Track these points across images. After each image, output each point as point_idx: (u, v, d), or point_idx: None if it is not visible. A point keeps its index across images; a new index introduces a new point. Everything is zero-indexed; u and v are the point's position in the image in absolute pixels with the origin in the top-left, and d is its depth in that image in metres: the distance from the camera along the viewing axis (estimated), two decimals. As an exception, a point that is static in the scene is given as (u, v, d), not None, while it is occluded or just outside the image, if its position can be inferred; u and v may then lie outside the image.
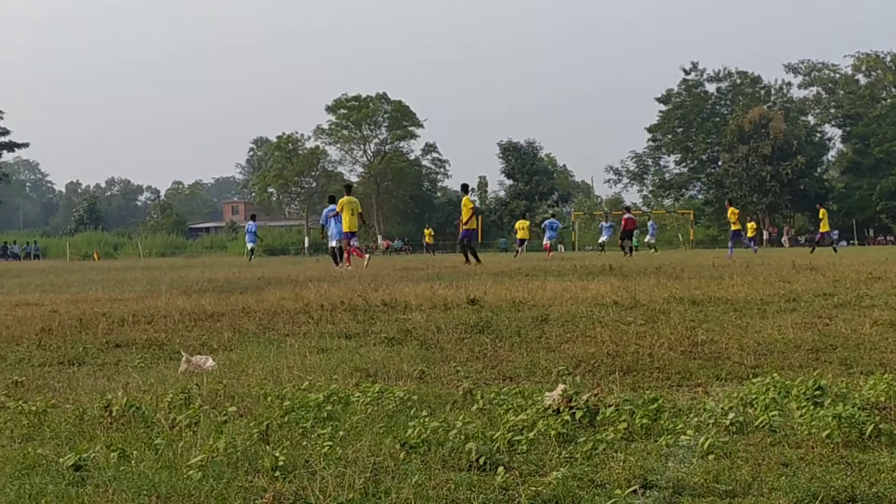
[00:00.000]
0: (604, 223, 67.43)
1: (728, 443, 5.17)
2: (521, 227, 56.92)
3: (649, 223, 65.88)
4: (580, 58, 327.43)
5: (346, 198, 33.57)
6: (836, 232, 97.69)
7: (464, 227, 35.22)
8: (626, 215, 54.73)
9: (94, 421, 5.96)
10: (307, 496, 4.25)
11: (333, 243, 35.23)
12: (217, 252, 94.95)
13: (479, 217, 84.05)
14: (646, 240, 64.85)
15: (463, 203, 35.99)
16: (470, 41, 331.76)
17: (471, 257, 33.36)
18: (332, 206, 35.52)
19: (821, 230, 50.38)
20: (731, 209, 50.53)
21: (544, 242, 56.57)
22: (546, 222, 58.93)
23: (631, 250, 49.36)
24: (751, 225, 59.52)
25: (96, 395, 6.69)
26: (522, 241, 56.78)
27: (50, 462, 4.87)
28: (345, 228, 32.72)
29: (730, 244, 48.30)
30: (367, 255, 33.04)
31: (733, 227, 49.15)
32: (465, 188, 38.88)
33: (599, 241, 66.21)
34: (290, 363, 8.40)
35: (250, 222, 56.23)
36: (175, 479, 4.48)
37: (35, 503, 3.97)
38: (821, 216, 50.46)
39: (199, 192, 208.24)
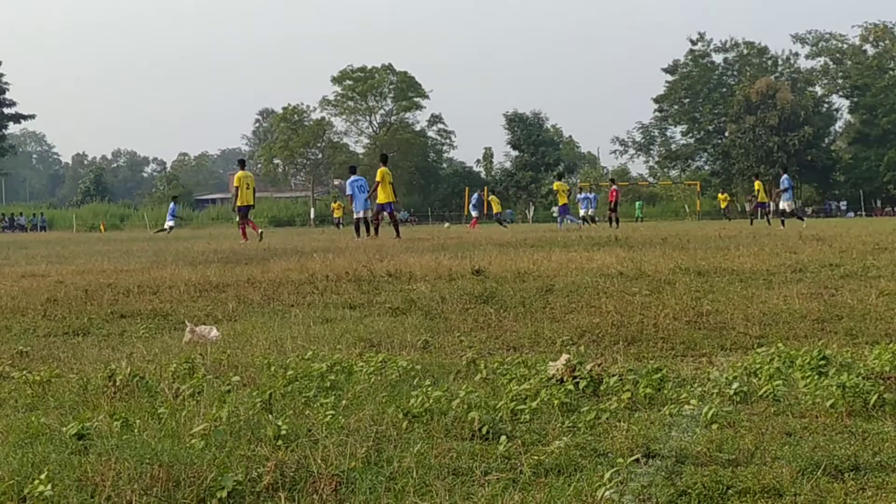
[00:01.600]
0: (585, 194, 63.03)
1: (732, 412, 5.17)
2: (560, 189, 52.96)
3: (591, 195, 62.43)
4: (586, 28, 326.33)
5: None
6: (844, 202, 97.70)
7: (384, 201, 33.18)
8: (613, 187, 53.80)
9: (97, 390, 5.97)
10: (309, 465, 4.25)
11: (360, 214, 34.40)
12: (223, 223, 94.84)
13: (487, 188, 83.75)
14: (582, 213, 61.93)
15: (380, 174, 33.31)
16: (475, 11, 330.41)
17: (372, 231, 32.59)
18: (355, 177, 34.76)
19: (758, 200, 49.78)
20: (756, 182, 50.16)
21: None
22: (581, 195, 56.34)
23: (617, 221, 48.56)
24: (722, 196, 58.70)
25: (100, 365, 6.69)
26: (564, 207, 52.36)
27: (53, 431, 4.88)
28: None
29: (766, 215, 48.01)
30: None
31: (760, 199, 48.66)
32: (383, 158, 36.11)
33: (581, 214, 60.31)
34: (294, 333, 8.40)
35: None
36: (178, 447, 4.49)
37: (38, 472, 3.97)
38: (756, 188, 49.81)
39: (205, 163, 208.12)
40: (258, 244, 28.68)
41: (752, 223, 47.42)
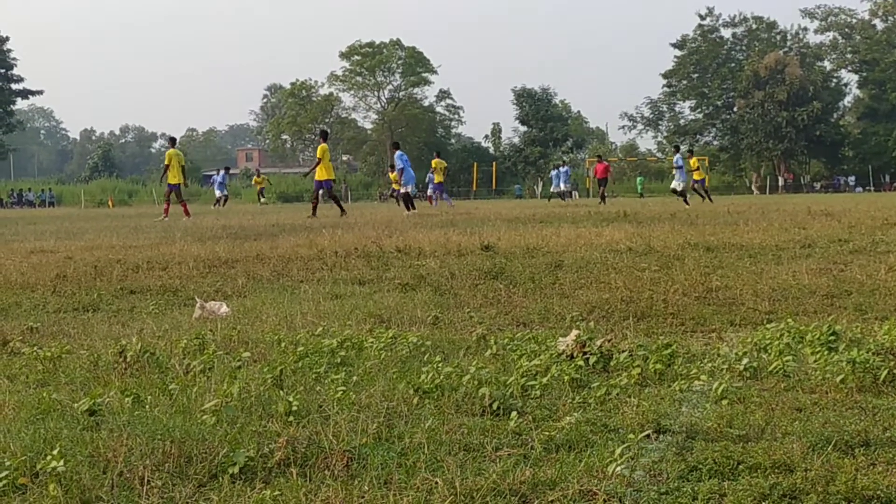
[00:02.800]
0: (560, 169, 60.07)
1: (742, 388, 5.17)
2: (437, 167, 50.49)
3: (563, 169, 60.79)
4: (594, 2, 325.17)
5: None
6: (853, 178, 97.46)
7: (322, 178, 32.01)
8: (599, 164, 52.78)
9: (108, 366, 5.99)
10: (320, 441, 4.26)
11: (409, 188, 34.63)
12: (231, 199, 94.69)
13: (495, 164, 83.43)
14: (552, 189, 59.66)
15: (320, 151, 32.06)
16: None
17: (326, 207, 32.25)
18: (401, 153, 35.18)
19: (695, 178, 48.86)
20: (693, 159, 49.21)
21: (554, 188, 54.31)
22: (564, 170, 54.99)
23: (603, 198, 47.73)
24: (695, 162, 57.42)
25: (111, 341, 6.70)
26: (439, 185, 50.43)
27: (65, 407, 4.89)
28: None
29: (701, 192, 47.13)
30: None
31: (696, 177, 47.64)
32: (324, 135, 34.85)
33: (552, 189, 58.88)
34: (303, 309, 8.41)
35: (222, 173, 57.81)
36: (189, 423, 4.50)
37: (50, 447, 3.98)
38: (693, 165, 48.86)
39: (213, 139, 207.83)
40: (161, 222, 28.73)
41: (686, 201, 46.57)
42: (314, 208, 31.58)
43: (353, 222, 24.96)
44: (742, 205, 35.64)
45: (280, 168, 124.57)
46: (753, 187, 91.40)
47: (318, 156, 32.06)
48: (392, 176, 47.51)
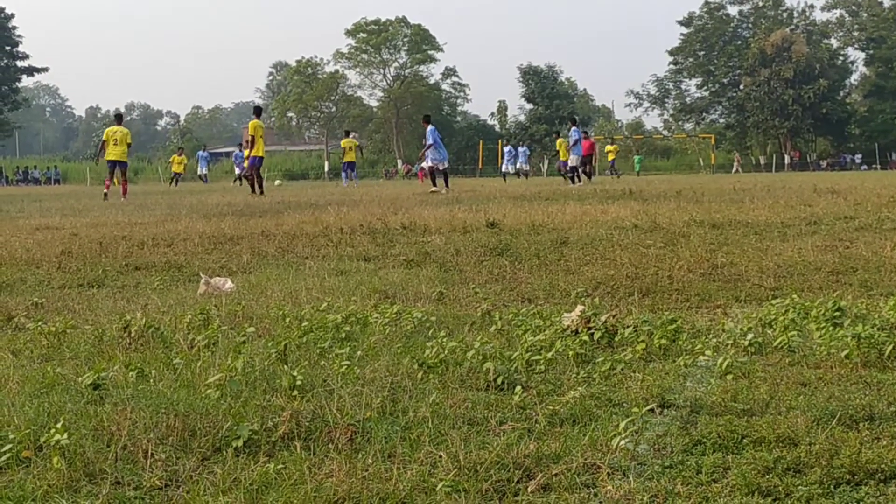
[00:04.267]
0: (519, 149, 60.04)
1: (746, 363, 5.16)
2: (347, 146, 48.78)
3: (520, 149, 59.76)
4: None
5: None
6: (859, 156, 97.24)
7: (253, 154, 31.48)
8: (585, 140, 51.26)
9: (113, 341, 5.99)
10: (324, 415, 4.26)
11: (439, 165, 33.55)
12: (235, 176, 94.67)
13: (500, 141, 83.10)
14: (518, 166, 58.56)
15: (253, 127, 31.44)
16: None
17: (257, 188, 31.15)
18: (433, 128, 33.69)
19: (560, 159, 48.06)
20: (558, 140, 48.46)
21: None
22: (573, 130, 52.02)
23: (589, 176, 46.68)
24: (613, 147, 56.49)
25: (115, 317, 6.71)
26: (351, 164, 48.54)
27: (69, 381, 4.90)
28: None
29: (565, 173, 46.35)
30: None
31: (562, 158, 46.76)
32: (257, 111, 33.67)
33: (503, 169, 57.89)
34: (308, 285, 8.41)
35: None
36: (193, 397, 4.50)
37: (54, 421, 3.98)
38: (557, 146, 48.12)
39: (219, 116, 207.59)
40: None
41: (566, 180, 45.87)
42: (256, 185, 31.19)
43: (359, 199, 24.97)
44: (748, 181, 35.61)
45: (286, 146, 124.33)
46: (737, 165, 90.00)
47: (250, 133, 31.48)
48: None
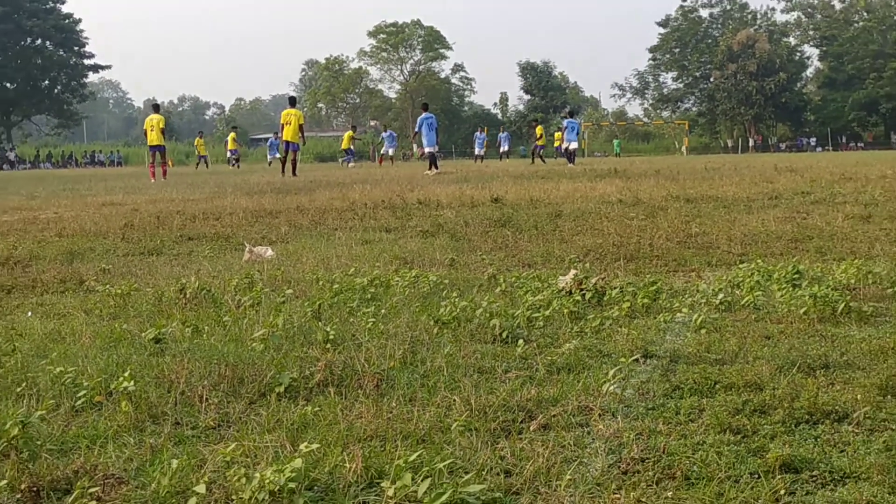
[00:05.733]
0: (477, 134, 57.74)
1: (718, 319, 5.16)
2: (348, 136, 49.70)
3: (480, 135, 57.13)
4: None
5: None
6: (814, 139, 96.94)
7: (285, 139, 30.16)
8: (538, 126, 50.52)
9: (170, 302, 6.00)
10: (354, 365, 4.27)
11: (430, 149, 32.01)
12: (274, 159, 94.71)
13: (502, 128, 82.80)
14: (478, 152, 55.82)
15: (285, 115, 29.73)
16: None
17: (288, 169, 30.10)
18: (427, 114, 32.20)
19: (536, 143, 47.91)
20: (538, 128, 48.25)
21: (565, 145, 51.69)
22: (566, 122, 46.60)
23: (543, 158, 46.54)
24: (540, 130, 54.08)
25: (172, 280, 6.72)
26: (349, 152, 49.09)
27: (134, 336, 4.91)
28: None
29: (536, 155, 46.47)
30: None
31: (538, 143, 46.89)
32: (291, 101, 31.72)
33: (476, 152, 55.05)
34: (338, 253, 8.41)
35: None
36: (241, 350, 4.51)
37: (122, 370, 4.00)
38: (537, 133, 47.75)
39: (259, 107, 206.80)
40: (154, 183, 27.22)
41: (532, 162, 45.49)
42: (292, 168, 30.22)
43: (380, 178, 24.93)
44: (717, 162, 35.46)
45: (316, 133, 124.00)
46: (683, 149, 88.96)
47: (282, 121, 30.10)
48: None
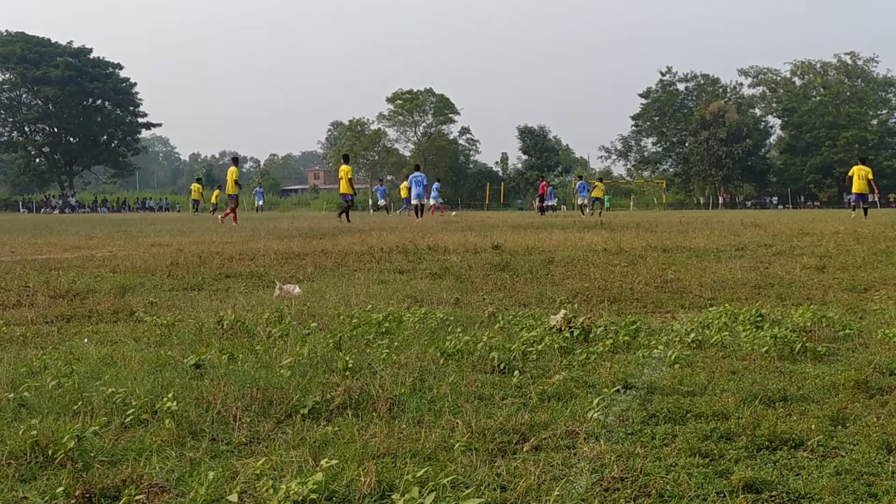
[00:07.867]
0: (434, 184, 50.37)
1: (690, 355, 5.15)
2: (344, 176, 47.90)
3: (436, 185, 50.59)
4: (583, 63, 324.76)
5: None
6: (776, 198, 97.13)
7: (344, 192, 31.36)
8: (541, 182, 51.30)
9: (209, 332, 6.01)
10: (369, 390, 4.27)
11: (415, 201, 36.29)
12: (302, 208, 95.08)
13: (503, 184, 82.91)
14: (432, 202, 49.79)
15: (343, 171, 31.19)
16: (500, 50, 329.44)
17: (344, 217, 30.79)
18: (417, 174, 36.60)
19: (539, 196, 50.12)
20: (598, 184, 49.54)
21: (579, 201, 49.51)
22: (579, 184, 49.79)
23: (553, 209, 49.12)
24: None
25: (212, 313, 6.74)
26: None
27: (177, 362, 4.92)
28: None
29: (596, 207, 48.83)
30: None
31: (597, 195, 48.84)
32: (345, 158, 33.13)
33: (431, 203, 47.82)
34: (357, 291, 8.42)
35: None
36: (270, 375, 4.52)
37: (166, 392, 4.01)
38: (541, 189, 49.89)
39: (290, 161, 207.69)
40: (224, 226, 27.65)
41: (542, 214, 46.82)
42: (344, 215, 31.33)
43: (395, 226, 24.96)
44: (691, 217, 35.49)
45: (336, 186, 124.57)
46: (632, 204, 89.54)
47: (340, 175, 31.53)
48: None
